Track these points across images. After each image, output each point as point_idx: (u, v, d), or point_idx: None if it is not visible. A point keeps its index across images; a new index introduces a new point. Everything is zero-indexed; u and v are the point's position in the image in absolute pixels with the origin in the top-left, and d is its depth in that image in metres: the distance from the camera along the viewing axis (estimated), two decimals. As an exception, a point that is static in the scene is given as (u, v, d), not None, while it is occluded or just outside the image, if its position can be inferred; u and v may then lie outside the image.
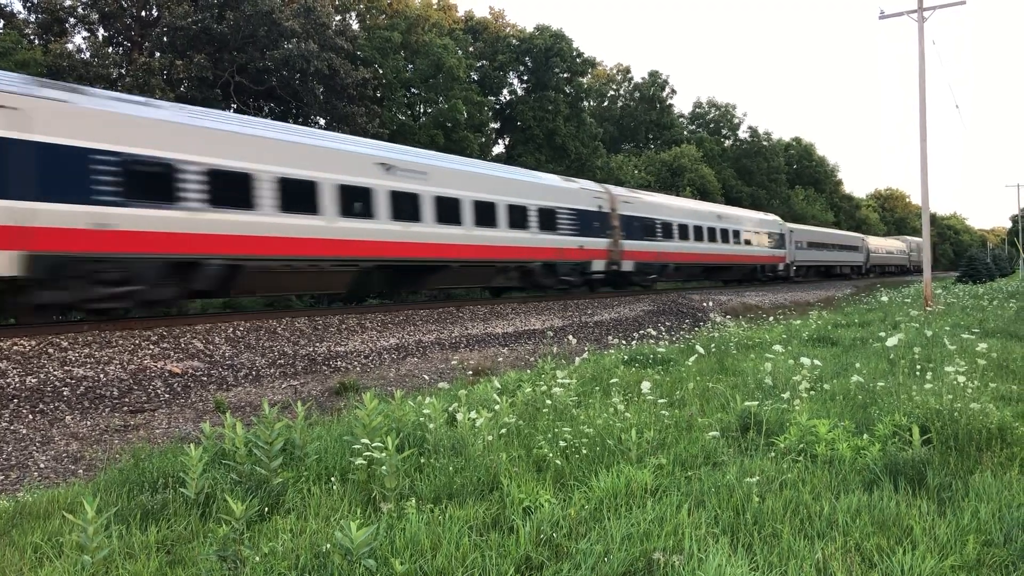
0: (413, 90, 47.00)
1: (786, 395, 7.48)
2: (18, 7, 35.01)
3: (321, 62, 35.04)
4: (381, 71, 43.48)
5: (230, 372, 14.12)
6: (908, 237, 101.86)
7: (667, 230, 36.87)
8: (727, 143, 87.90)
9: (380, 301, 25.48)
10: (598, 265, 30.92)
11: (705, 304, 30.70)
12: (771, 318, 22.83)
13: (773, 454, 6.20)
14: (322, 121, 39.86)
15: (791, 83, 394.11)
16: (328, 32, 36.99)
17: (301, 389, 13.56)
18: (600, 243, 30.98)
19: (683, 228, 38.64)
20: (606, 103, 78.11)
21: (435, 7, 52.61)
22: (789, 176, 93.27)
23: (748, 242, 46.68)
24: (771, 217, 53.64)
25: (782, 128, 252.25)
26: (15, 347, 13.13)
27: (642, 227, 34.39)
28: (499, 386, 9.61)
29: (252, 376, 14.19)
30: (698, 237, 40.03)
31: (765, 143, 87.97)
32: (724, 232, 43.40)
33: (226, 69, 35.15)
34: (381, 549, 4.50)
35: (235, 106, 37.06)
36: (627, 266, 32.91)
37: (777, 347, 9.55)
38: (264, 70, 35.75)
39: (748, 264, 47.13)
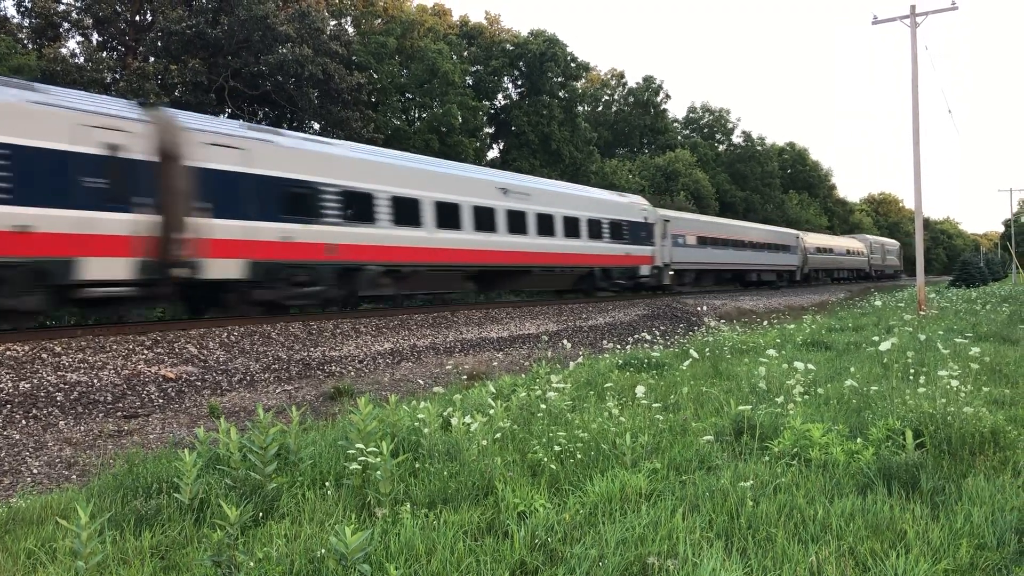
0: (408, 95, 47.07)
1: (780, 399, 7.49)
2: (12, 12, 34.79)
3: (315, 67, 35.05)
4: (376, 76, 43.53)
5: (224, 377, 14.10)
6: (869, 236, 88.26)
7: (362, 207, 21.78)
8: (721, 148, 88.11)
9: (374, 306, 25.27)
10: (105, 267, 15.67)
11: (700, 308, 30.76)
12: (765, 322, 22.87)
13: (767, 458, 6.21)
14: (316, 126, 39.87)
15: (785, 88, 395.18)
16: (323, 37, 37.01)
17: (295, 394, 13.54)
18: (112, 224, 15.81)
19: (408, 205, 23.20)
20: (600, 108, 78.21)
21: (430, 12, 52.70)
22: (783, 181, 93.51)
23: (575, 233, 31.37)
24: (630, 199, 38.07)
25: (776, 133, 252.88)
26: (8, 352, 13.10)
27: (278, 197, 19.39)
28: (494, 390, 9.61)
29: (246, 381, 14.17)
30: (449, 222, 24.61)
31: (759, 148, 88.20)
32: (518, 216, 27.89)
33: (220, 74, 35.14)
34: (376, 554, 4.50)
35: (229, 111, 37.05)
36: (221, 269, 17.96)
37: (771, 351, 9.57)
38: (259, 75, 35.75)
39: (573, 267, 31.63)
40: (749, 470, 5.83)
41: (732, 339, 15.54)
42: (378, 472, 5.52)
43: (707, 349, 14.10)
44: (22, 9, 34.15)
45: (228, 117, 33.59)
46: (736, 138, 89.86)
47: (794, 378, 8.03)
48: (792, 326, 20.53)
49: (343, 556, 4.25)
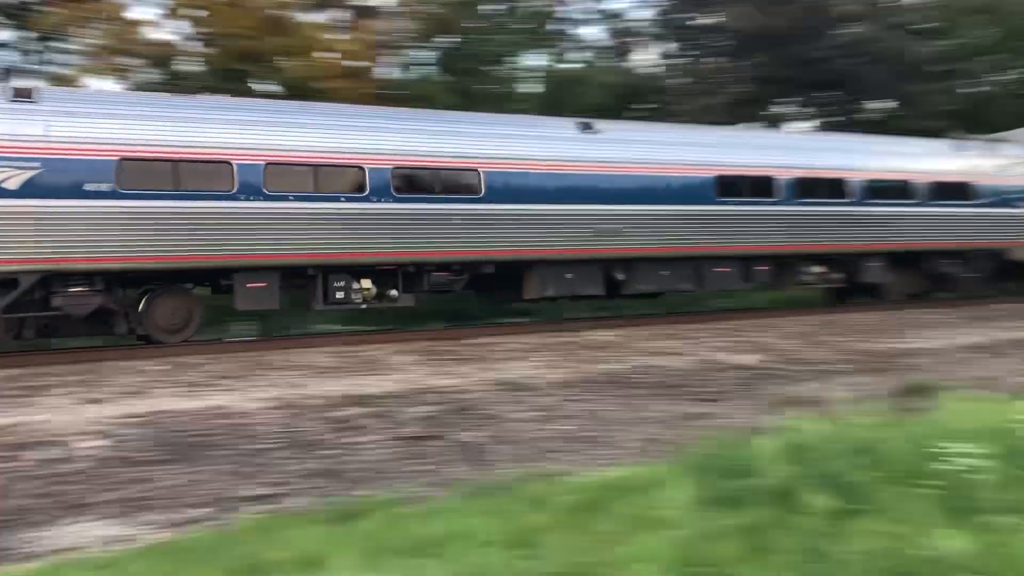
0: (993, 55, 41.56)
1: None
2: (598, 35, 39.07)
3: (888, 42, 33.14)
4: (952, 40, 39.20)
5: (794, 367, 14.14)
6: None
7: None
8: None
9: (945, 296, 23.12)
10: None
11: None
12: None
13: None
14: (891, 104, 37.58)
15: None
16: (888, 9, 34.92)
17: (866, 386, 13.01)
18: None
19: None
20: None
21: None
22: None
23: None
24: None
25: None
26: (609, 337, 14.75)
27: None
28: None
29: (816, 371, 14.03)
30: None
31: None
32: None
33: (783, 64, 35.11)
34: (978, 567, 4.07)
35: (785, 100, 37.13)
36: None
37: None
38: (818, 60, 34.96)
39: None
40: None
41: None
42: (978, 476, 4.99)
43: None
44: (610, 30, 38.27)
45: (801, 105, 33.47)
46: None
47: None
48: None
49: (939, 561, 3.95)
